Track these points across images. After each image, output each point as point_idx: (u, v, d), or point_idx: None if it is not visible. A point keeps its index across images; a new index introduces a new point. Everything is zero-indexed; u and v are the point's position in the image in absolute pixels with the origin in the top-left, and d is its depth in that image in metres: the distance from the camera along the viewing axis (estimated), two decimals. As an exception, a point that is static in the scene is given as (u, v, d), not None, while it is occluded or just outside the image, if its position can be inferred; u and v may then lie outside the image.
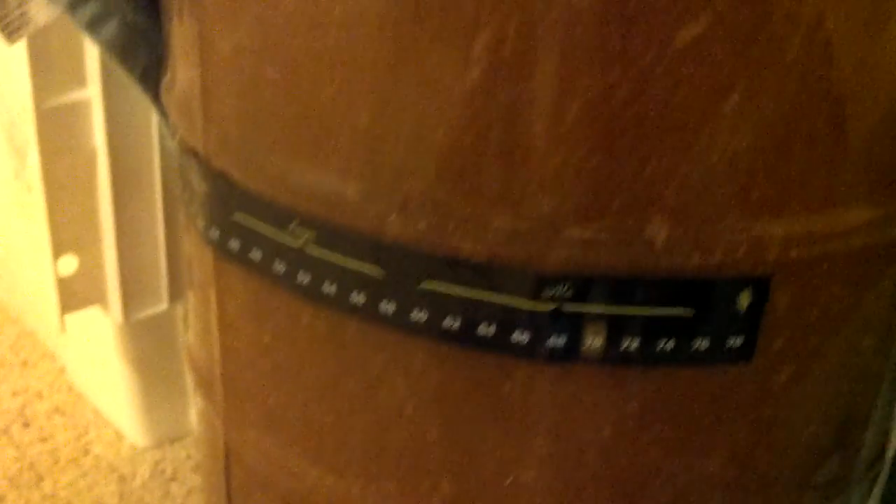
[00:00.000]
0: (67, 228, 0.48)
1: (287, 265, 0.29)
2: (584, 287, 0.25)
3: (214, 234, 0.31)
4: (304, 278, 0.29)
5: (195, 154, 0.31)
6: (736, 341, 0.26)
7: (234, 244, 0.30)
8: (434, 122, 0.25)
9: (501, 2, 0.23)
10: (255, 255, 0.30)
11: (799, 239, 0.26)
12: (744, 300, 0.26)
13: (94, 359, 0.60)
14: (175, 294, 0.51)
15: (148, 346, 0.54)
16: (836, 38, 0.24)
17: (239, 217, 0.30)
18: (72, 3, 0.36)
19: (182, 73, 0.32)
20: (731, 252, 0.25)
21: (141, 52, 0.37)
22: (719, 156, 0.24)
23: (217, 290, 0.33)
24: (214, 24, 0.29)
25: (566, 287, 0.25)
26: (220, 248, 0.31)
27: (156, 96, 0.38)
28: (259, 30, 0.27)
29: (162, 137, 0.46)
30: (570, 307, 0.26)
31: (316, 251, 0.28)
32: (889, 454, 0.35)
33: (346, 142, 0.26)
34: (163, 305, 0.51)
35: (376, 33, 0.25)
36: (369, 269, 0.27)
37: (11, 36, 0.37)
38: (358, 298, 0.28)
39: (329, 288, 0.28)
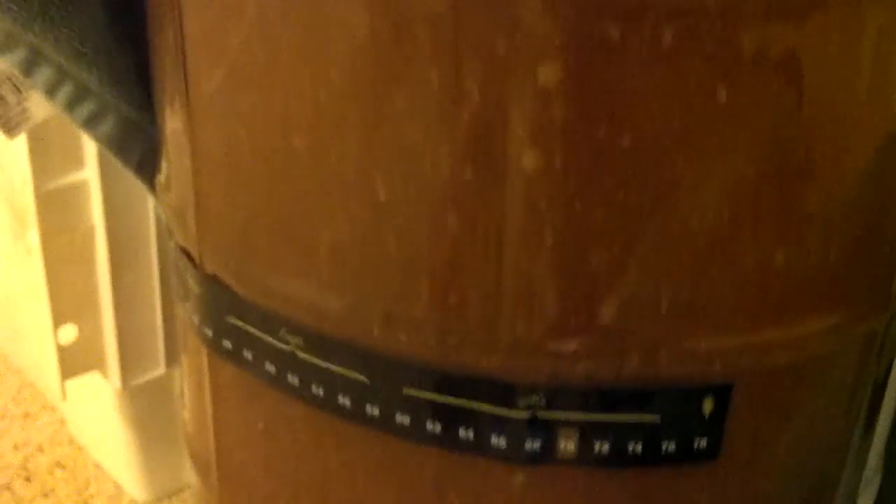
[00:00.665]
0: (67, 299, 0.49)
1: (277, 367, 0.31)
2: (557, 397, 0.27)
3: (208, 332, 0.33)
4: (293, 380, 0.30)
5: (189, 256, 0.33)
6: (701, 443, 0.28)
7: (227, 343, 0.32)
8: (414, 248, 0.26)
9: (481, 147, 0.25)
10: (247, 354, 0.31)
11: (757, 349, 0.27)
12: (707, 406, 0.27)
13: (94, 415, 0.61)
14: (171, 359, 0.52)
15: (146, 407, 0.56)
16: (794, 140, 0.26)
17: (231, 319, 0.31)
18: (70, 102, 0.37)
19: (175, 178, 0.33)
20: (693, 364, 0.27)
21: (137, 145, 0.39)
22: (676, 280, 0.26)
23: (211, 382, 0.34)
24: (204, 136, 0.31)
25: (540, 397, 0.27)
26: (213, 346, 0.33)
27: (151, 184, 0.40)
28: (244, 150, 0.29)
29: (157, 213, 0.48)
30: (545, 415, 0.27)
31: (304, 356, 0.30)
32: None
33: (330, 258, 0.28)
34: (160, 370, 0.52)
35: (357, 161, 0.26)
36: (355, 374, 0.29)
37: (11, 131, 0.39)
38: (344, 401, 0.29)
39: (317, 390, 0.30)
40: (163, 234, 0.49)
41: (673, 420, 0.27)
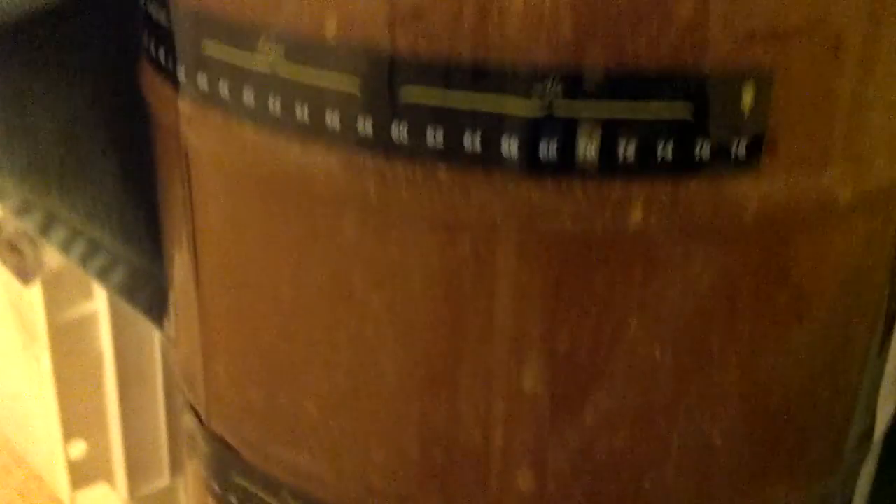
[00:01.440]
0: (76, 417, 0.52)
1: (280, 525, 0.33)
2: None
3: (215, 486, 0.35)
4: (295, 538, 0.33)
5: (197, 415, 0.35)
6: None
7: (233, 499, 0.34)
8: (399, 431, 0.29)
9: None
10: (252, 511, 0.34)
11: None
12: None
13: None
14: (176, 468, 0.55)
15: (151, 513, 0.58)
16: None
17: (237, 479, 0.34)
18: (83, 257, 0.40)
19: (185, 343, 0.36)
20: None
21: (147, 291, 0.41)
22: (640, 462, 0.28)
23: (218, 527, 0.37)
24: (213, 316, 0.33)
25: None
26: (220, 499, 0.35)
27: (159, 323, 0.42)
28: (253, 332, 0.31)
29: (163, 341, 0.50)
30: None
31: (304, 519, 0.32)
32: None
33: (324, 437, 0.30)
34: (165, 481, 0.55)
35: (352, 382, 0.29)
36: (352, 538, 0.31)
37: (27, 280, 0.42)
38: (343, 560, 0.32)
39: (317, 548, 0.32)
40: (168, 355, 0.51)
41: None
